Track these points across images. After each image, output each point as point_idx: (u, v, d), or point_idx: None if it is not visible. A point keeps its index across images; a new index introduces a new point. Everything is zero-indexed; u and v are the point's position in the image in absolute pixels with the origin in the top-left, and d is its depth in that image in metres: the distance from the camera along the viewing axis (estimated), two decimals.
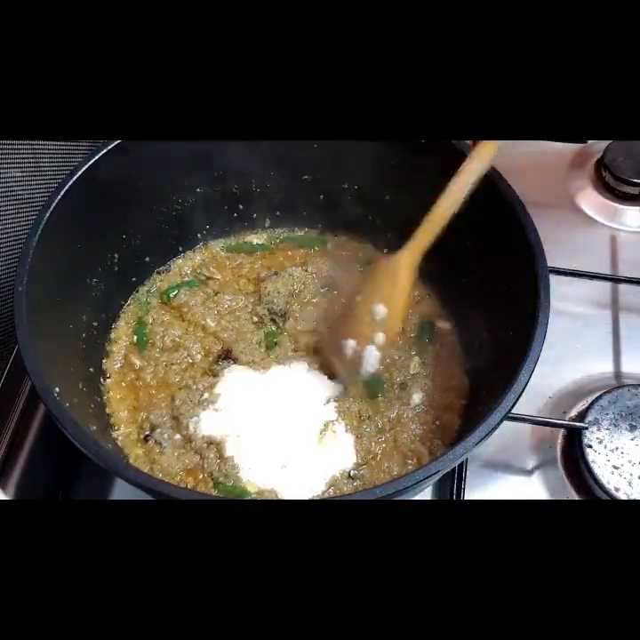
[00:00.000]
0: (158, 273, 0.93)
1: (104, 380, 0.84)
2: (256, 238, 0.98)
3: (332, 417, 0.79)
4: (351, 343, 0.77)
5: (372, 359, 0.77)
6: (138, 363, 0.86)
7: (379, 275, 0.78)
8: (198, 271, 0.94)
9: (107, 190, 0.79)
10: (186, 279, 0.93)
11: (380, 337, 0.76)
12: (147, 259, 0.91)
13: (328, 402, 0.81)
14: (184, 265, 0.95)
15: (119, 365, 0.86)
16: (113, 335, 0.87)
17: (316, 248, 0.96)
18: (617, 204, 1.07)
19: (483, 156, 0.71)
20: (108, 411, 0.81)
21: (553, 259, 0.71)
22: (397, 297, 0.75)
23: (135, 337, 0.88)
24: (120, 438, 0.80)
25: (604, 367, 0.91)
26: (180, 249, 0.95)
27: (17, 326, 0.65)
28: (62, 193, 0.73)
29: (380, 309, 0.75)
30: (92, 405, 0.78)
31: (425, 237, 0.74)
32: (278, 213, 0.97)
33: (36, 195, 0.89)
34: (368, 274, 0.81)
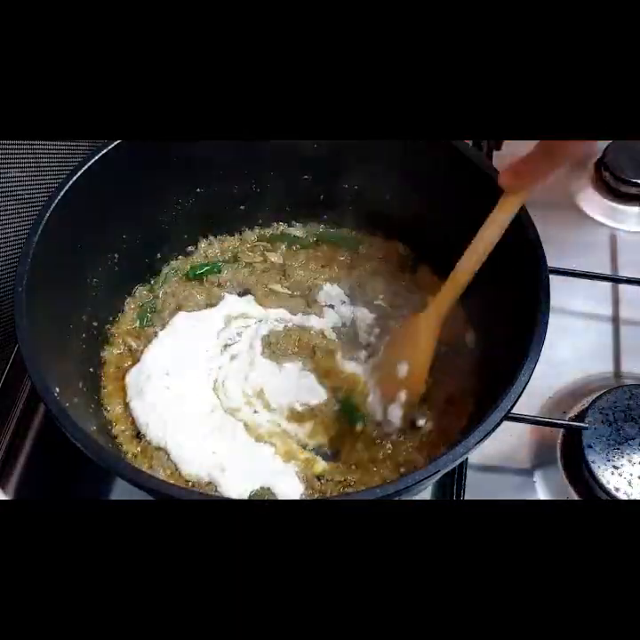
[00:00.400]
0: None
1: (103, 378, 0.84)
2: (253, 235, 0.98)
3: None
4: (378, 397, 0.78)
5: (394, 417, 0.77)
6: (134, 344, 0.86)
7: (403, 333, 0.79)
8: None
9: (107, 190, 0.79)
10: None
11: (403, 395, 0.76)
12: (147, 259, 0.91)
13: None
14: (185, 264, 0.95)
15: (115, 361, 0.85)
16: (114, 332, 0.87)
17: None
18: (617, 204, 1.07)
19: (507, 210, 0.68)
20: (104, 408, 0.81)
21: (553, 259, 0.71)
22: (418, 358, 0.76)
23: (138, 321, 0.88)
24: (118, 436, 0.80)
25: (603, 367, 0.91)
26: (179, 249, 0.95)
27: (17, 326, 0.65)
28: (62, 193, 0.73)
29: (404, 368, 0.76)
30: (92, 405, 0.78)
31: (447, 299, 0.74)
32: (283, 215, 0.97)
33: (36, 195, 0.89)
34: (396, 330, 0.83)
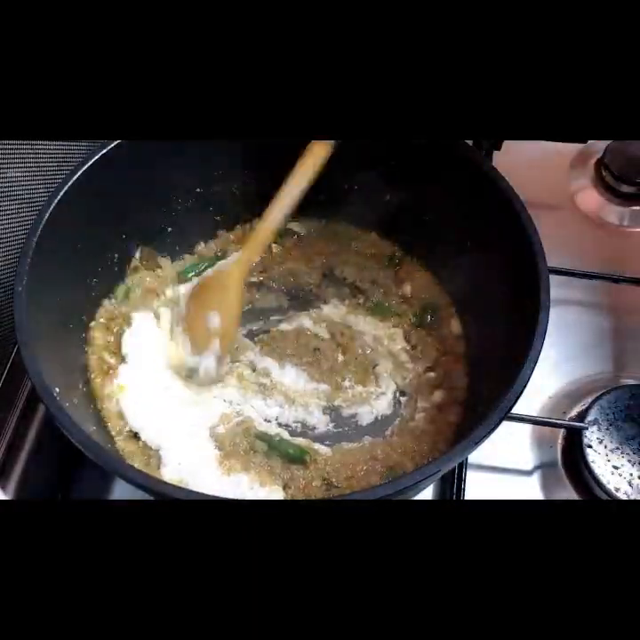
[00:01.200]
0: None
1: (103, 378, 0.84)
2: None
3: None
4: (188, 348, 0.81)
5: (209, 366, 0.80)
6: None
7: (211, 286, 0.82)
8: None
9: (107, 190, 0.78)
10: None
11: (217, 344, 0.79)
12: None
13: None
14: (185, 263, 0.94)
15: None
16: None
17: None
18: (617, 205, 1.07)
19: (316, 156, 0.73)
20: (98, 406, 0.81)
21: (553, 259, 0.71)
22: (229, 308, 0.80)
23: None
24: (114, 434, 0.79)
25: (603, 367, 0.91)
26: (178, 249, 0.95)
27: (17, 326, 0.65)
28: (62, 193, 0.73)
29: (215, 319, 0.79)
30: (92, 405, 0.78)
31: (254, 251, 0.79)
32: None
33: (36, 195, 0.89)
34: (198, 285, 0.84)
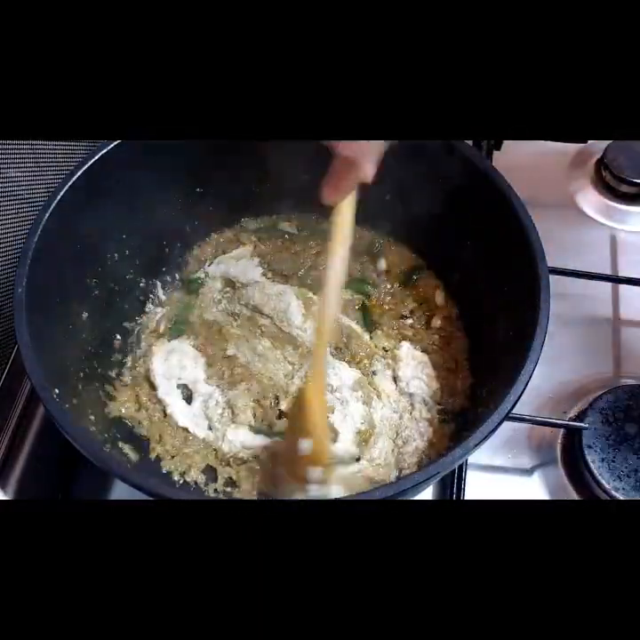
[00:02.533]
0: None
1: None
2: (249, 228, 0.98)
3: None
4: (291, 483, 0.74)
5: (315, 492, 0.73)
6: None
7: (295, 410, 0.75)
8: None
9: (107, 190, 0.78)
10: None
11: (313, 472, 0.71)
12: (146, 259, 0.91)
13: None
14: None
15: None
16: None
17: None
18: (617, 204, 1.07)
19: (345, 218, 0.68)
20: (103, 408, 0.81)
21: (553, 259, 0.71)
22: (314, 428, 0.70)
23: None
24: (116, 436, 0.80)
25: (603, 367, 0.91)
26: (179, 248, 0.95)
27: (17, 326, 0.65)
28: (62, 193, 0.73)
29: (305, 446, 0.70)
30: (92, 405, 0.78)
31: (320, 355, 0.71)
32: (282, 213, 0.98)
33: (36, 195, 0.89)
34: (290, 410, 0.80)
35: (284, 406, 0.83)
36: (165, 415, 0.83)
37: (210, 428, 0.82)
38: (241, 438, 0.80)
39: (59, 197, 0.73)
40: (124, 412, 0.82)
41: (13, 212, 0.86)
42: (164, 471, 0.80)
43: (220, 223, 0.97)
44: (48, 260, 0.71)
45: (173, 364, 0.86)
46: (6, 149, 0.83)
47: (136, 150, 0.79)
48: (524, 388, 0.62)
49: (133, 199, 0.83)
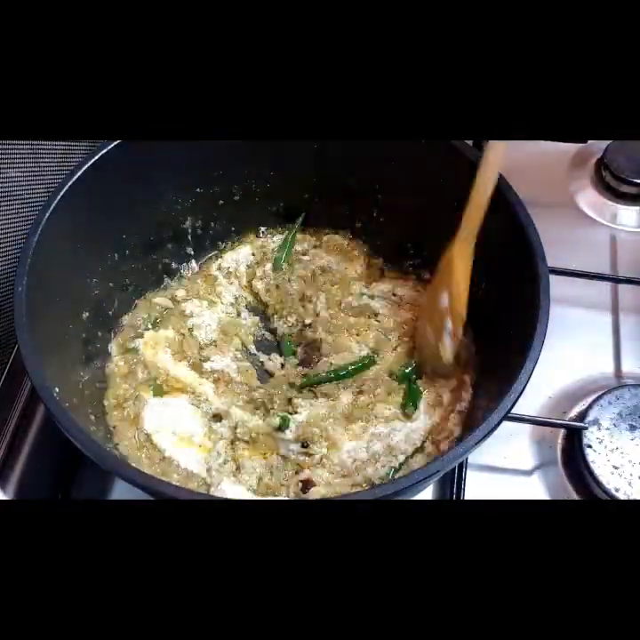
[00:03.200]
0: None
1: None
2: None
3: None
4: (429, 332, 0.82)
5: (448, 346, 0.79)
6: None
7: (440, 266, 0.81)
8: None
9: (107, 190, 0.78)
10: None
11: (449, 324, 0.79)
12: (146, 259, 0.91)
13: None
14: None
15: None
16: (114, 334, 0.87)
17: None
18: (617, 204, 1.07)
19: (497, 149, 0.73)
20: (103, 408, 0.81)
21: (553, 259, 0.71)
22: (457, 284, 0.78)
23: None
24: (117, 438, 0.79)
25: (604, 367, 0.91)
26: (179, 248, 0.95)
27: (17, 326, 0.65)
28: (62, 193, 0.73)
29: (445, 297, 0.79)
30: (92, 405, 0.78)
31: (472, 222, 0.76)
32: (281, 211, 0.97)
33: (36, 195, 0.89)
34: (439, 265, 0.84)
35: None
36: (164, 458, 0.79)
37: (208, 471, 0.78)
38: (236, 495, 0.75)
39: (59, 197, 0.73)
40: (122, 450, 0.78)
41: (13, 212, 0.86)
42: None
43: (223, 225, 0.97)
44: (48, 260, 0.71)
45: (167, 417, 0.82)
46: (6, 149, 0.83)
47: (136, 150, 0.79)
48: (524, 388, 0.62)
49: (133, 199, 0.83)
